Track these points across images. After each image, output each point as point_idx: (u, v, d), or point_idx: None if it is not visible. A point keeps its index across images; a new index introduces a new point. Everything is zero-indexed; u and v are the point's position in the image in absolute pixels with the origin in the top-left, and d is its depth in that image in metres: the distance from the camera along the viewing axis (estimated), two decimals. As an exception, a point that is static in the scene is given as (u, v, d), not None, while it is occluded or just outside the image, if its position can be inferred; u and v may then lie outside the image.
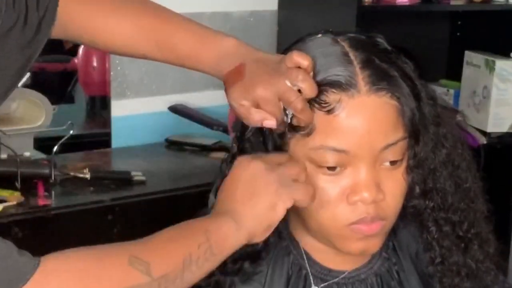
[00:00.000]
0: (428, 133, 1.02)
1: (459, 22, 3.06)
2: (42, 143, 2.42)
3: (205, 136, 2.59)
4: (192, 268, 0.92)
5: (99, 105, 2.86)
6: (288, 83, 0.95)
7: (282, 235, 1.09)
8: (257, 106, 0.97)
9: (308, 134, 0.97)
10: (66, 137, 2.25)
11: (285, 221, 1.08)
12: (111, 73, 2.58)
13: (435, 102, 1.05)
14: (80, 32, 1.14)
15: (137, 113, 2.63)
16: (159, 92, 2.66)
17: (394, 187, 1.00)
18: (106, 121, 2.64)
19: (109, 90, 2.61)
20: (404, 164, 1.01)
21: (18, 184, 2.08)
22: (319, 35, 1.03)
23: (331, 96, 0.96)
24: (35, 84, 2.41)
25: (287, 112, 0.97)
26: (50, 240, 2.01)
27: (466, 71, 2.81)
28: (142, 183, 2.22)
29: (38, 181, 2.12)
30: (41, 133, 2.42)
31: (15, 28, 1.06)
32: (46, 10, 1.09)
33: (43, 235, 1.99)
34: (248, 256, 1.04)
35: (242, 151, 1.04)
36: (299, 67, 0.96)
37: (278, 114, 0.97)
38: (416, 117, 1.00)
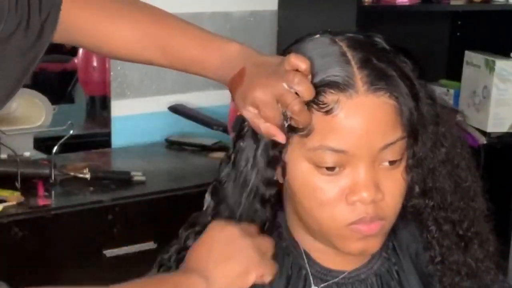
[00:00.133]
0: (427, 132, 1.02)
1: (459, 22, 3.06)
2: (42, 143, 2.42)
3: (205, 136, 2.59)
4: None
5: (99, 105, 2.85)
6: (286, 86, 0.95)
7: (282, 235, 1.09)
8: (257, 109, 0.97)
9: (307, 135, 0.97)
10: (66, 137, 2.25)
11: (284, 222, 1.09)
12: (111, 73, 2.58)
13: (434, 101, 1.05)
14: (83, 37, 1.14)
15: (137, 113, 2.64)
16: (159, 92, 2.66)
17: (393, 187, 1.00)
18: (106, 121, 2.64)
19: (109, 90, 2.61)
20: (403, 163, 1.01)
21: (18, 184, 2.08)
22: (318, 36, 1.03)
23: (329, 97, 0.96)
24: (35, 84, 2.41)
25: (285, 114, 0.97)
26: (50, 240, 2.02)
27: (466, 71, 2.81)
28: (142, 183, 2.22)
29: (38, 181, 2.13)
30: (41, 133, 2.42)
31: (17, 32, 1.06)
32: (48, 14, 1.09)
33: (43, 235, 2.00)
34: None
35: (237, 151, 1.04)
36: (297, 70, 0.96)
37: (277, 116, 0.97)
38: (414, 116, 1.00)
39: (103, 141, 2.62)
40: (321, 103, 0.96)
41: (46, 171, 2.14)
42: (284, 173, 1.01)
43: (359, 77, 0.96)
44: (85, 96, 2.89)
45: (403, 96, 0.98)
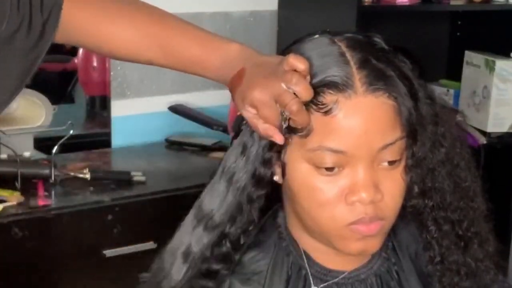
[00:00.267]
0: (426, 132, 1.02)
1: (459, 22, 3.06)
2: (42, 143, 2.42)
3: (205, 136, 2.59)
4: None
5: (99, 105, 2.86)
6: (284, 86, 0.95)
7: (282, 235, 1.09)
8: (256, 109, 0.97)
9: (306, 135, 0.97)
10: (66, 137, 2.25)
11: (284, 222, 1.09)
12: (111, 73, 2.58)
13: (433, 101, 1.04)
14: (83, 37, 1.14)
15: (137, 113, 2.64)
16: (159, 92, 2.66)
17: (392, 187, 1.00)
18: (106, 121, 2.64)
19: (109, 90, 2.61)
20: (402, 164, 1.01)
21: (18, 184, 2.08)
22: (317, 36, 1.02)
23: (328, 97, 0.96)
24: (35, 84, 2.40)
25: (283, 114, 0.97)
26: (50, 240, 2.02)
27: (466, 71, 2.81)
28: (142, 183, 2.22)
29: (38, 181, 2.13)
30: (41, 133, 2.42)
31: (19, 32, 1.06)
32: (50, 14, 1.09)
33: (43, 235, 2.00)
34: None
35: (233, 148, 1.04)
36: (296, 70, 0.96)
37: (276, 117, 0.97)
38: (413, 116, 0.99)
39: (103, 141, 2.62)
40: (320, 103, 0.96)
41: (46, 171, 2.14)
42: (283, 174, 1.01)
43: (358, 78, 0.96)
44: (85, 96, 2.89)
45: (402, 96, 0.98)
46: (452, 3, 2.77)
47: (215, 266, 1.05)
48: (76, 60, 2.84)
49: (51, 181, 2.13)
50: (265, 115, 0.96)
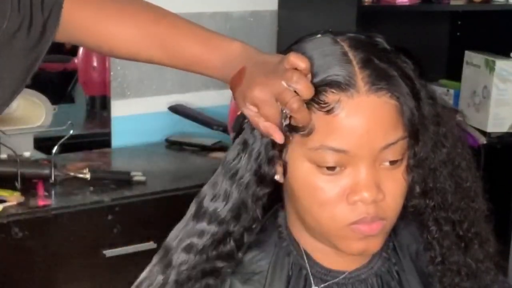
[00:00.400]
0: (427, 132, 1.02)
1: (459, 22, 3.06)
2: (42, 143, 2.42)
3: (205, 136, 2.59)
4: None
5: (99, 105, 2.86)
6: (285, 84, 0.95)
7: (283, 235, 1.09)
8: (256, 107, 0.97)
9: (308, 134, 0.97)
10: (66, 137, 2.26)
11: (285, 222, 1.09)
12: (111, 73, 2.58)
13: (435, 101, 1.04)
14: (84, 36, 1.14)
15: (137, 113, 2.64)
16: (159, 92, 2.66)
17: (394, 187, 1.00)
18: (106, 121, 2.64)
19: (109, 90, 2.61)
20: (404, 163, 1.01)
21: (18, 184, 2.08)
22: (319, 35, 1.02)
23: (330, 96, 0.96)
24: (35, 84, 2.40)
25: (284, 113, 0.97)
26: (50, 240, 2.02)
27: (466, 71, 2.81)
28: (142, 183, 2.22)
29: (38, 181, 2.13)
30: (41, 133, 2.42)
31: (20, 32, 1.06)
32: (50, 13, 1.09)
33: (43, 235, 2.00)
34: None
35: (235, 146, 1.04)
36: (297, 69, 0.96)
37: (276, 115, 0.96)
38: (415, 116, 0.99)
39: (103, 141, 2.62)
40: (322, 102, 0.96)
41: (46, 171, 2.14)
42: (284, 173, 1.01)
43: (360, 77, 0.96)
44: (85, 96, 2.89)
45: (404, 96, 0.98)
46: (452, 3, 2.77)
47: (219, 264, 1.05)
48: (76, 60, 2.84)
49: (51, 181, 2.14)
50: (266, 113, 0.96)
